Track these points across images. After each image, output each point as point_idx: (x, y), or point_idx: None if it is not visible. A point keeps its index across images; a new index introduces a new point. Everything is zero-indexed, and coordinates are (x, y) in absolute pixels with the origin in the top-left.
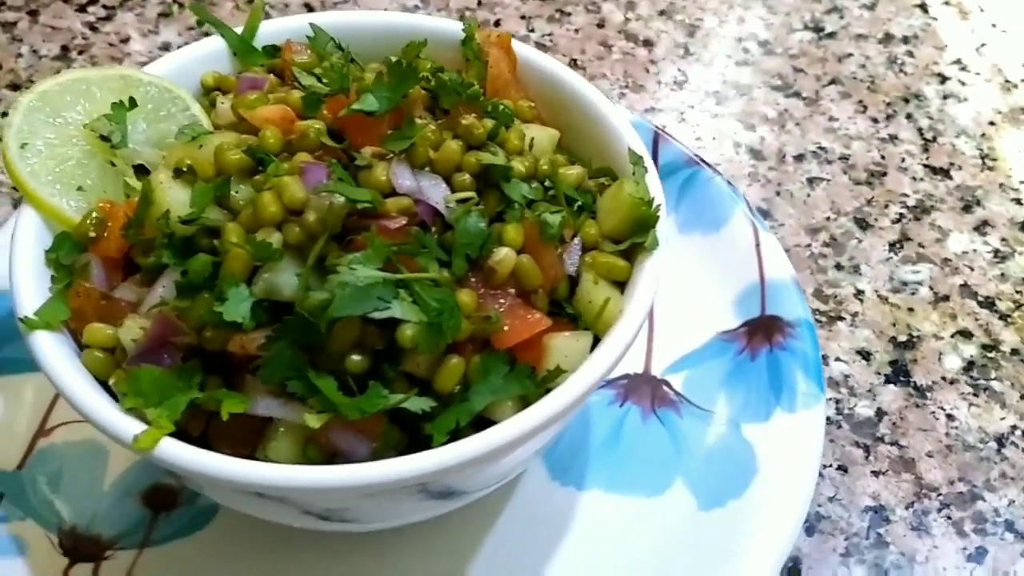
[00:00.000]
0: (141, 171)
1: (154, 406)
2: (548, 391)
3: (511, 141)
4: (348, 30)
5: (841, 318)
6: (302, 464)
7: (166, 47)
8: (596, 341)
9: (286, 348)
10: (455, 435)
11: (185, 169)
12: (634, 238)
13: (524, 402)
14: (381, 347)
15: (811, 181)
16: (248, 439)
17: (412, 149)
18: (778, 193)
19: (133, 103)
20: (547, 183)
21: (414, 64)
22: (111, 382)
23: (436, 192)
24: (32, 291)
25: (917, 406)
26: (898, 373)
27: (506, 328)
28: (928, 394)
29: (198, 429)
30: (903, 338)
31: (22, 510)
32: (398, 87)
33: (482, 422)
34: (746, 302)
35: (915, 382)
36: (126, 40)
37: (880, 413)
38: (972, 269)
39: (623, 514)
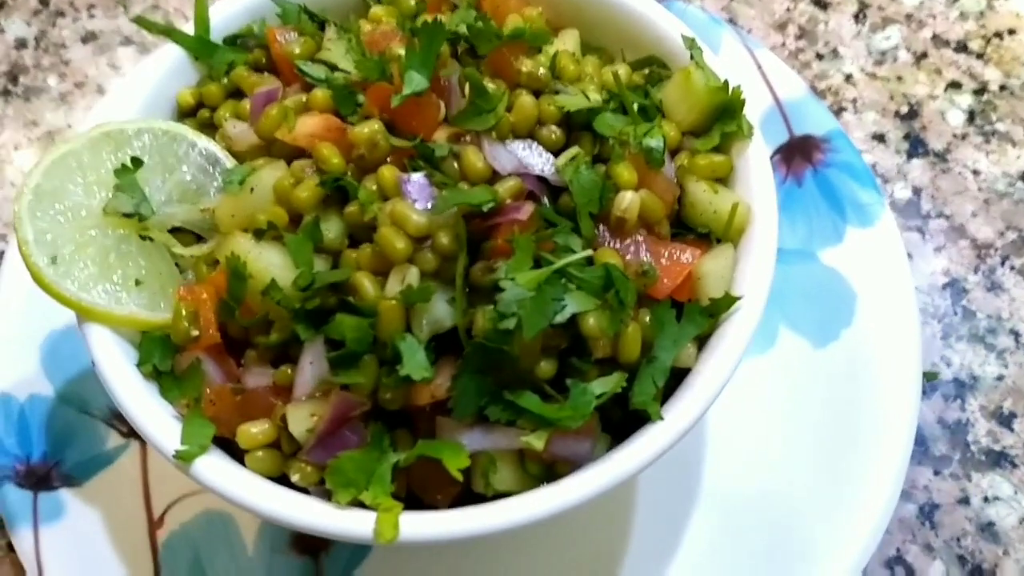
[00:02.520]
0: (177, 232)
1: (367, 489)
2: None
3: (567, 68)
4: None
5: (843, 108)
6: (527, 483)
7: (21, 42)
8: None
9: (471, 379)
10: None
11: (265, 227)
12: (722, 127)
13: (699, 338)
14: (566, 344)
15: None
16: (452, 477)
17: (499, 123)
18: None
19: (137, 163)
20: (603, 94)
21: (440, 20)
22: (294, 478)
23: (538, 159)
24: (160, 419)
25: (944, 172)
26: (915, 146)
27: (661, 275)
28: (948, 156)
29: (404, 489)
30: (904, 109)
31: None
32: (429, 50)
33: None
34: (769, 128)
35: (933, 149)
36: None
37: (916, 191)
38: (934, 18)
39: (745, 377)
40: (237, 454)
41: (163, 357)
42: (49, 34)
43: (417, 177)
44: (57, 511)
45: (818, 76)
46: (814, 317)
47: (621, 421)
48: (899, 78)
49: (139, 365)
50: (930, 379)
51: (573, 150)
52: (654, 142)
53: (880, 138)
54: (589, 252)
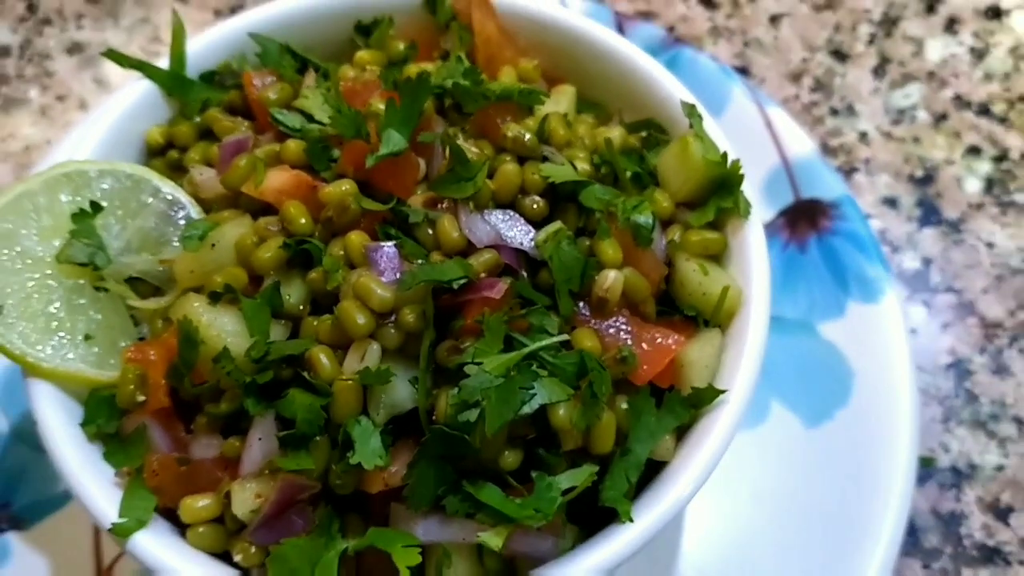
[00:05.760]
0: (135, 282)
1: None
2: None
3: (556, 132)
4: (288, 24)
5: (855, 169)
6: None
7: (4, 50)
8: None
9: (429, 467)
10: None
11: (221, 291)
12: (719, 202)
13: (679, 428)
14: (533, 435)
15: (773, 20)
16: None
17: (479, 192)
18: (746, 44)
19: (96, 208)
20: (595, 159)
21: (425, 75)
22: (237, 558)
23: (517, 232)
24: (100, 486)
25: (955, 244)
26: (928, 213)
27: (642, 360)
28: (961, 227)
29: (351, 573)
30: (920, 173)
31: None
32: (412, 108)
33: None
34: (774, 189)
35: (946, 218)
36: None
37: (926, 261)
38: (957, 77)
39: (731, 453)
40: (181, 523)
41: (109, 419)
42: (34, 43)
43: (387, 247)
44: (1, 556)
45: (831, 133)
46: (808, 394)
47: (590, 509)
48: (916, 139)
49: (83, 425)
50: (926, 465)
51: (555, 225)
52: (643, 218)
53: (892, 203)
54: (564, 336)
